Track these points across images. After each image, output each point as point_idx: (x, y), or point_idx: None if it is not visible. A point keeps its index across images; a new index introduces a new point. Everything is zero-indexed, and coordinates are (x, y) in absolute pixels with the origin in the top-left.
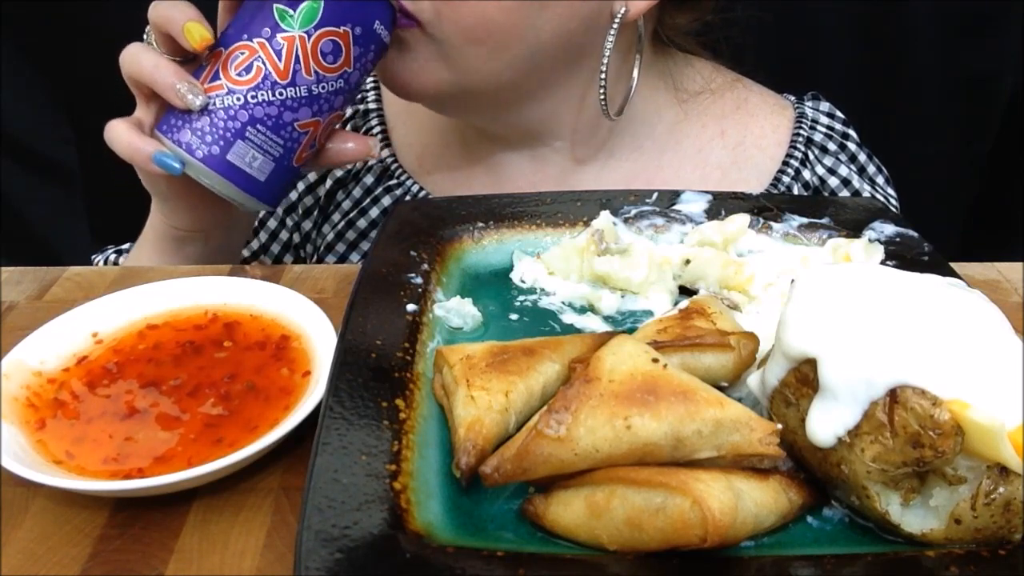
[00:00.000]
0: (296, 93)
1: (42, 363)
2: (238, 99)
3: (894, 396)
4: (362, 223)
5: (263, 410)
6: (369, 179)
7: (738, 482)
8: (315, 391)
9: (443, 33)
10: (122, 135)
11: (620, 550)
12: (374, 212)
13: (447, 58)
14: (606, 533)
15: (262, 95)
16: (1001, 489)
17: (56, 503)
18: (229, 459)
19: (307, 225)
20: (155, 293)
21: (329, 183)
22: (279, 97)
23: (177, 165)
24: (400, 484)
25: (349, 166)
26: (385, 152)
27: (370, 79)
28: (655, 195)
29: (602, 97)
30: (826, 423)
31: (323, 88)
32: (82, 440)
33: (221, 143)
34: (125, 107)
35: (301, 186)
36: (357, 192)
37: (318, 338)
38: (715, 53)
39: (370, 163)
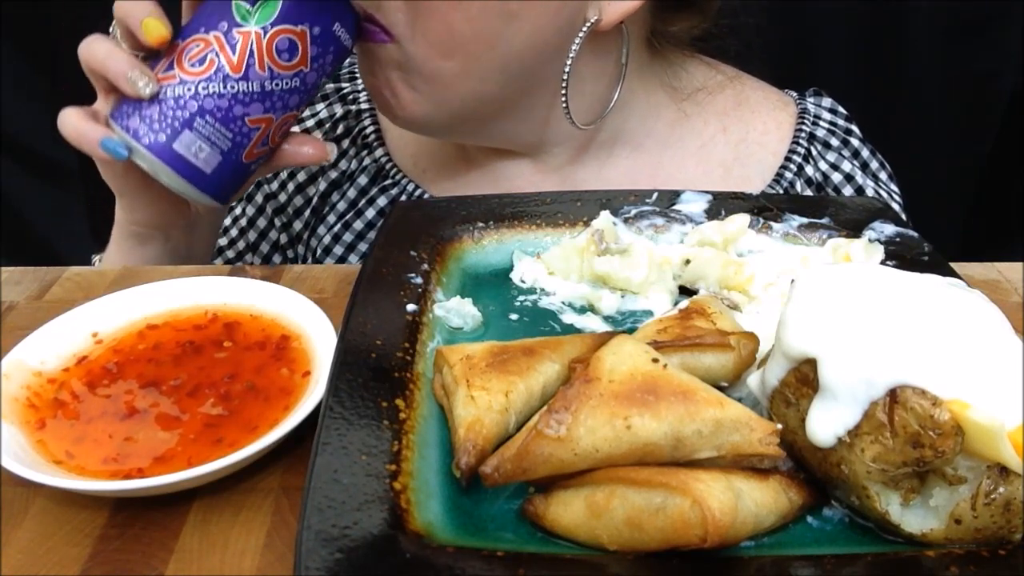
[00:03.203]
0: (248, 88)
1: (42, 363)
2: (189, 89)
3: (894, 396)
4: (358, 224)
5: (263, 410)
6: (363, 180)
7: (738, 482)
8: (315, 391)
9: (415, 49)
10: (71, 120)
11: (620, 550)
12: (370, 213)
13: (423, 79)
14: (606, 533)
15: (213, 87)
16: (1001, 489)
17: (56, 503)
18: (229, 459)
19: (298, 225)
20: (155, 293)
21: (323, 185)
22: (230, 90)
23: (123, 151)
24: (400, 484)
25: (343, 167)
26: (379, 152)
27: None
28: (655, 195)
29: (564, 105)
30: (826, 423)
31: (277, 85)
32: (82, 440)
33: (168, 131)
34: None
35: (291, 187)
36: (352, 193)
37: (318, 338)
38: (713, 52)
39: (364, 163)
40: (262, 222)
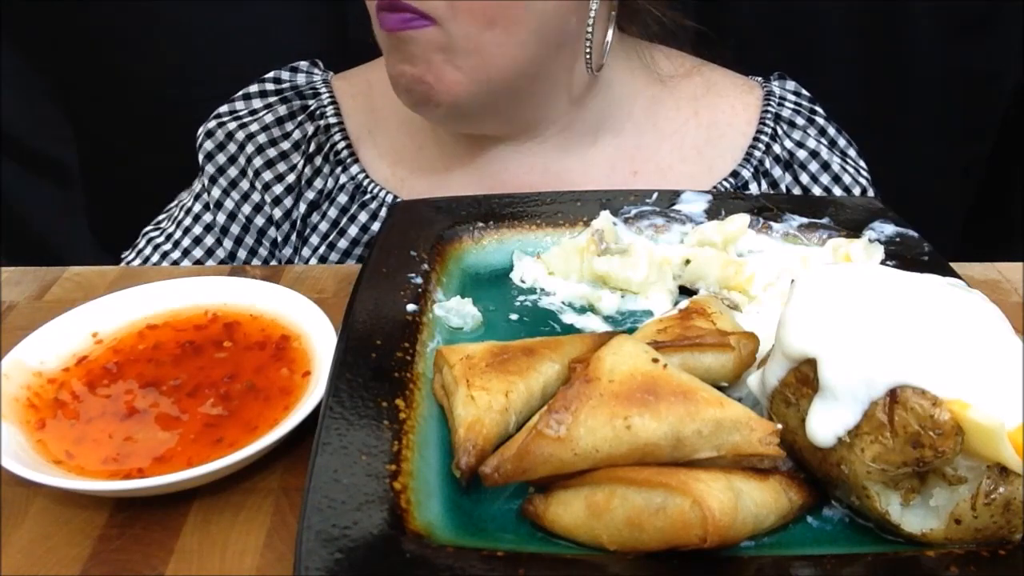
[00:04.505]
0: None
1: (42, 363)
2: None
3: (894, 396)
4: (343, 243)
5: (263, 410)
6: (343, 198)
7: (738, 482)
8: (315, 391)
9: (457, 26)
10: None
11: (620, 550)
12: (353, 231)
13: (465, 55)
14: (606, 533)
15: None
16: (1001, 489)
17: (56, 503)
18: (229, 459)
19: (287, 252)
20: (155, 293)
21: (303, 207)
22: None
23: None
24: (400, 484)
25: (319, 186)
26: (355, 168)
27: (326, 93)
28: (655, 195)
29: (588, 50)
30: (826, 423)
31: None
32: (82, 440)
33: None
34: (124, 107)
35: (278, 213)
36: (332, 212)
37: (318, 338)
38: (679, 42)
39: (340, 181)
40: (242, 253)
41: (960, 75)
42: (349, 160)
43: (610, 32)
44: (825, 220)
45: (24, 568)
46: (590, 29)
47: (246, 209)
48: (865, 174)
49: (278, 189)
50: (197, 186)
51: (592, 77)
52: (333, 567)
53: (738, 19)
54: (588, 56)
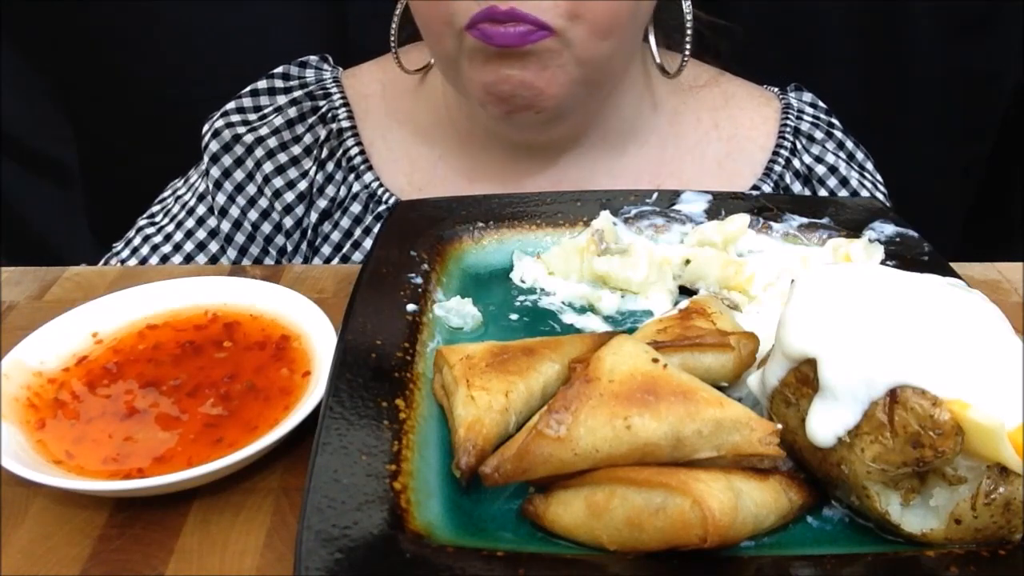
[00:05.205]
0: None
1: (42, 363)
2: None
3: (894, 396)
4: (357, 256)
5: (263, 410)
6: (357, 207)
7: (738, 482)
8: (315, 391)
9: (575, 36)
10: None
11: (620, 550)
12: (367, 243)
13: (578, 62)
14: (606, 533)
15: None
16: (1001, 489)
17: (56, 503)
18: (229, 459)
19: (297, 262)
20: (155, 293)
21: (314, 216)
22: None
23: None
24: (400, 484)
25: (331, 194)
26: (369, 176)
27: (337, 94)
28: (655, 195)
29: (686, 53)
30: (826, 423)
31: None
32: (82, 440)
33: None
34: (124, 107)
35: (289, 222)
36: (345, 222)
37: (318, 338)
38: (700, 50)
39: (354, 189)
40: (247, 263)
41: (960, 75)
42: (363, 167)
43: (651, 36)
44: (825, 220)
45: (24, 568)
46: (689, 31)
47: (252, 215)
48: (882, 188)
49: (289, 197)
50: (201, 185)
51: (661, 81)
52: (333, 567)
53: (738, 19)
54: (685, 59)
